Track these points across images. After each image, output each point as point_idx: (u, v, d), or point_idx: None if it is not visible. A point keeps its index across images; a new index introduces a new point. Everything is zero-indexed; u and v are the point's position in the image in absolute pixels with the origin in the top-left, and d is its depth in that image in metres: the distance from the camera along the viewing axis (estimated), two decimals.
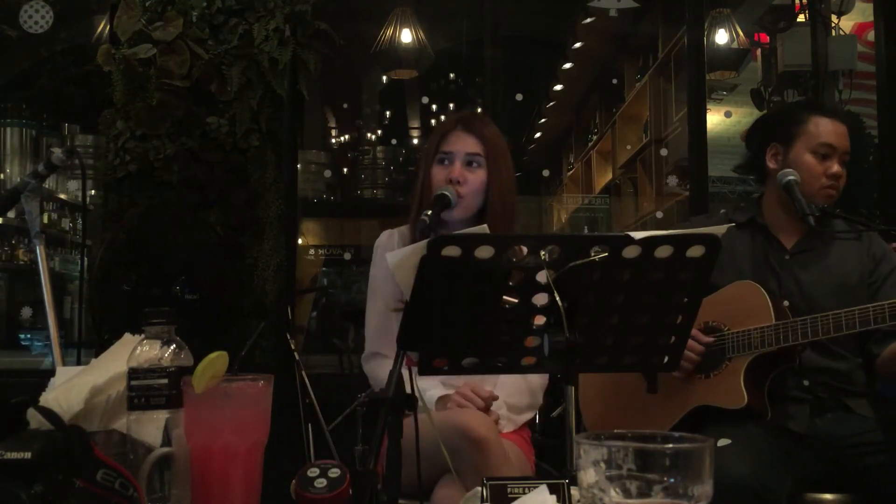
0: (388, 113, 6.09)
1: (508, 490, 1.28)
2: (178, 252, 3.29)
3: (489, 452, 1.82)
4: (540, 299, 1.38)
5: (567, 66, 6.15)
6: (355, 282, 5.06)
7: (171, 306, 1.60)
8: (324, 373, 4.13)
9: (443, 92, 5.83)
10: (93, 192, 3.89)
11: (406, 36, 4.76)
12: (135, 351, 1.27)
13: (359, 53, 4.96)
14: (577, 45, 5.77)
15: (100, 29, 4.41)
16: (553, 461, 2.22)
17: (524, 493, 1.26)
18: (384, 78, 5.48)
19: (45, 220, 4.73)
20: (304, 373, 1.53)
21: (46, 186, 2.79)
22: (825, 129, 2.33)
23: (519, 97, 4.72)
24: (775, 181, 2.34)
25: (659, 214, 5.04)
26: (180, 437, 1.25)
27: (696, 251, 1.38)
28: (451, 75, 5.83)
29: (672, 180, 4.84)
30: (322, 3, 3.66)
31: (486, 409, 2.06)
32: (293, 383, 1.53)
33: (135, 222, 3.38)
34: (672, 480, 0.81)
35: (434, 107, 5.90)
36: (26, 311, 4.56)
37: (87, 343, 3.60)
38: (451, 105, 5.79)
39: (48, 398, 1.26)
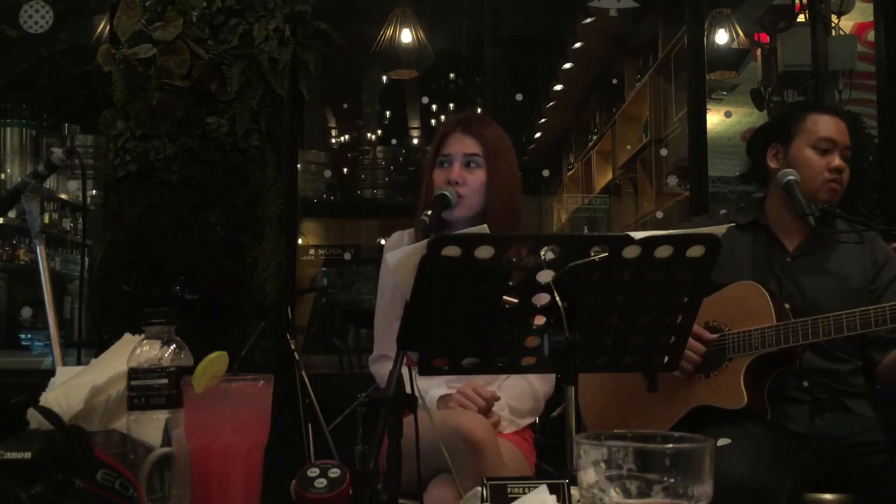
0: (388, 113, 6.10)
1: (508, 490, 1.28)
2: (178, 252, 3.29)
3: (485, 455, 1.81)
4: (540, 299, 1.38)
5: (567, 66, 6.16)
6: (355, 282, 5.06)
7: (171, 306, 1.60)
8: (324, 373, 4.14)
9: (443, 92, 5.84)
10: (93, 192, 3.89)
11: (406, 36, 4.76)
12: (135, 351, 1.27)
13: (359, 53, 4.96)
14: (577, 45, 5.77)
15: (100, 29, 4.42)
16: (553, 461, 2.23)
17: (524, 493, 1.26)
18: (384, 78, 5.48)
19: (46, 220, 4.73)
20: (304, 373, 1.54)
21: (47, 186, 2.79)
22: (823, 124, 2.33)
23: (519, 97, 4.72)
24: (777, 182, 2.34)
25: (659, 214, 5.04)
26: (180, 437, 1.25)
27: (696, 251, 1.38)
28: (451, 75, 5.83)
29: (672, 180, 4.85)
30: (322, 3, 3.66)
31: (488, 410, 2.06)
32: (293, 383, 1.54)
33: (135, 222, 3.38)
34: (672, 480, 0.81)
35: (434, 107, 5.90)
36: (26, 311, 4.56)
37: (87, 343, 3.60)
38: (451, 105, 5.80)
39: (48, 398, 1.26)
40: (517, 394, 2.18)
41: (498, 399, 2.10)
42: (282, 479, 1.32)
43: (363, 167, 5.58)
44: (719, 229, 1.41)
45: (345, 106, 6.15)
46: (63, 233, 5.06)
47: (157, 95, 3.44)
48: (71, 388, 1.28)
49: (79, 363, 2.40)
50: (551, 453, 2.39)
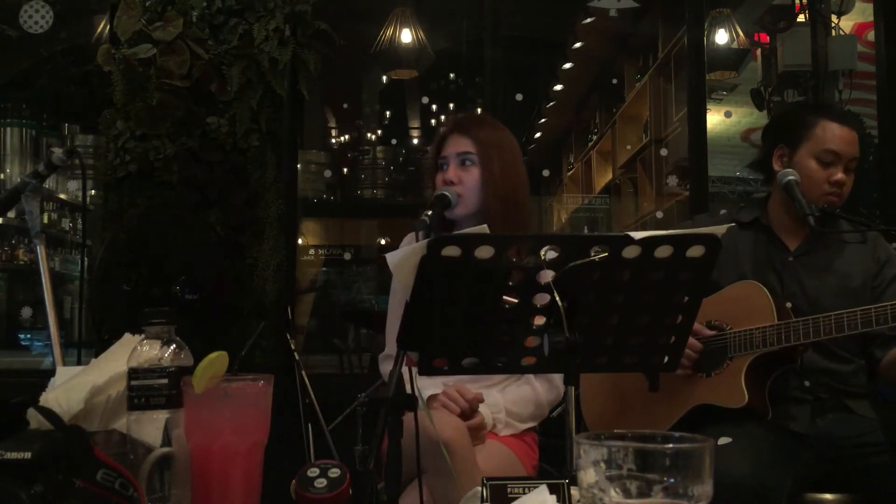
0: (388, 113, 6.09)
1: (508, 490, 1.28)
2: (178, 252, 3.29)
3: (453, 456, 1.80)
4: (540, 299, 1.38)
5: (567, 66, 6.15)
6: (355, 282, 5.06)
7: (171, 306, 1.59)
8: (324, 373, 4.14)
9: (443, 92, 5.84)
10: (93, 192, 3.89)
11: (406, 36, 4.76)
12: (135, 351, 1.27)
13: (359, 53, 4.96)
14: (577, 45, 5.77)
15: (100, 29, 4.41)
16: (553, 461, 2.22)
17: (524, 493, 1.26)
18: (384, 78, 5.48)
19: (46, 220, 4.73)
20: (304, 373, 1.53)
21: (46, 186, 2.78)
22: (832, 134, 2.29)
23: (519, 97, 4.72)
24: (778, 182, 2.34)
25: (659, 214, 5.04)
26: (180, 437, 1.25)
27: (696, 251, 1.38)
28: (451, 75, 5.83)
29: (672, 180, 4.84)
30: (322, 3, 3.66)
31: (472, 412, 2.05)
32: (293, 383, 1.54)
33: (135, 222, 3.38)
34: (672, 480, 0.81)
35: (434, 107, 5.90)
36: (26, 311, 4.56)
37: (87, 343, 3.60)
38: (451, 105, 5.80)
39: (48, 398, 1.26)
40: (518, 398, 2.18)
41: (482, 401, 2.09)
42: (282, 479, 1.32)
43: (363, 167, 5.58)
44: (720, 229, 1.41)
45: (345, 106, 6.15)
46: (63, 233, 5.05)
47: (157, 95, 3.44)
48: (71, 388, 1.28)
49: (79, 363, 2.40)
50: (551, 453, 2.39)
